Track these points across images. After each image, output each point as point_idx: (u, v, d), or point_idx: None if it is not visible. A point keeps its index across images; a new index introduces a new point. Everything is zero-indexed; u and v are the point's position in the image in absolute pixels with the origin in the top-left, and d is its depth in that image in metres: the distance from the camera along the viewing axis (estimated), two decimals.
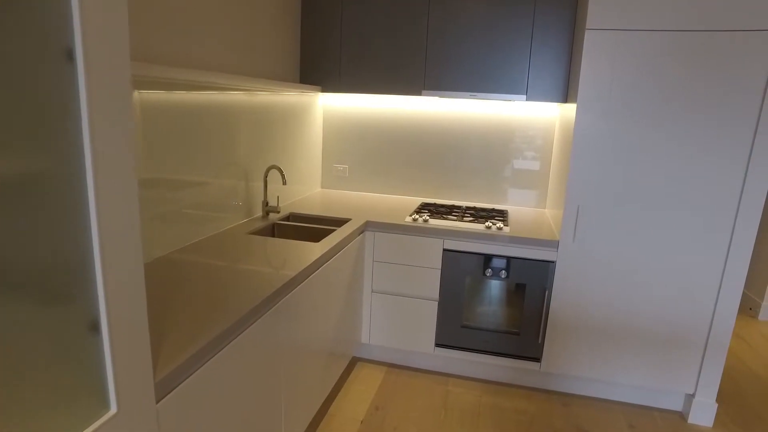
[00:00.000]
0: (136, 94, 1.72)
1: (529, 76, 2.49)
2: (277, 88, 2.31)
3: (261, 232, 2.29)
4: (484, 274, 2.37)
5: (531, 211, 2.83)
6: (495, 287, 2.39)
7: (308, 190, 3.10)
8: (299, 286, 1.73)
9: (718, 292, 2.11)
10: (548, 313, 2.32)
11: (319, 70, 2.78)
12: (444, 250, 2.39)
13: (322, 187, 3.29)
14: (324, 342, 2.03)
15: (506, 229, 2.36)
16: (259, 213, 2.48)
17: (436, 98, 2.80)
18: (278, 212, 2.40)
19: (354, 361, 2.70)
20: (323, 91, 2.78)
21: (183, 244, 1.94)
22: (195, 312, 1.34)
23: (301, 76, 2.83)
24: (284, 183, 2.29)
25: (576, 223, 2.19)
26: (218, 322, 1.29)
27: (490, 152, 2.90)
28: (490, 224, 2.38)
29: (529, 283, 2.33)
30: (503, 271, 2.34)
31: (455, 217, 2.55)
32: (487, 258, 2.35)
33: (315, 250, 1.94)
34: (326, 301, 2.01)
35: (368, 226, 2.46)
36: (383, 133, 3.06)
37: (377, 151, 3.10)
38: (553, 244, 2.25)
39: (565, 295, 2.28)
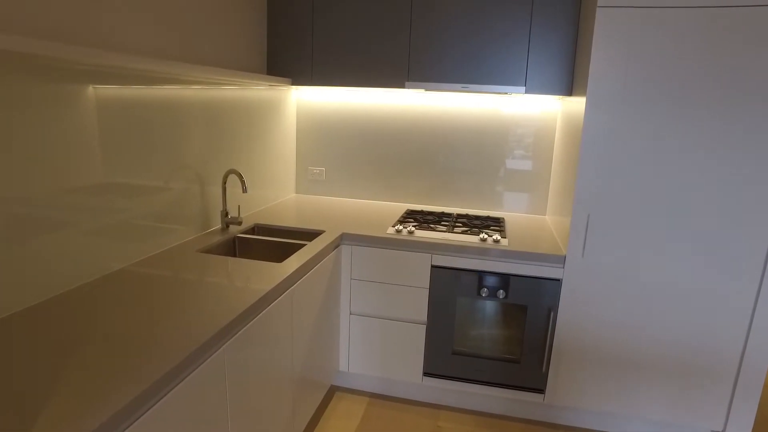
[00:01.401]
0: (90, 89, 1.42)
1: (529, 65, 2.17)
2: (234, 78, 1.96)
3: (217, 249, 1.94)
4: (479, 294, 2.05)
5: (530, 219, 2.51)
6: (491, 309, 2.07)
7: (280, 195, 2.76)
8: (256, 318, 1.39)
9: (752, 317, 1.81)
10: (553, 339, 2.01)
11: (289, 60, 2.44)
12: (432, 266, 2.07)
13: (297, 192, 2.95)
14: (292, 373, 1.69)
15: (504, 241, 2.04)
16: (218, 225, 2.14)
17: (422, 91, 2.47)
18: (239, 224, 2.06)
19: (332, 391, 2.37)
20: (294, 84, 2.44)
21: (123, 264, 1.59)
22: (106, 363, 1.00)
23: (268, 67, 2.49)
24: (244, 190, 1.95)
25: (586, 235, 1.88)
26: (133, 380, 0.95)
27: (483, 152, 2.58)
28: (485, 236, 2.06)
29: (531, 305, 2.01)
30: (501, 291, 2.02)
31: (445, 228, 2.22)
32: (482, 276, 2.03)
33: (278, 271, 1.60)
34: (293, 328, 1.67)
35: (344, 239, 2.13)
36: (364, 132, 2.73)
37: (357, 151, 2.77)
38: (559, 260, 1.93)
39: (572, 317, 1.96)
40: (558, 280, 1.97)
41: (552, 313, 1.98)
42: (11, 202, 1.23)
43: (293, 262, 1.70)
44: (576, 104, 1.98)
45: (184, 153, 1.88)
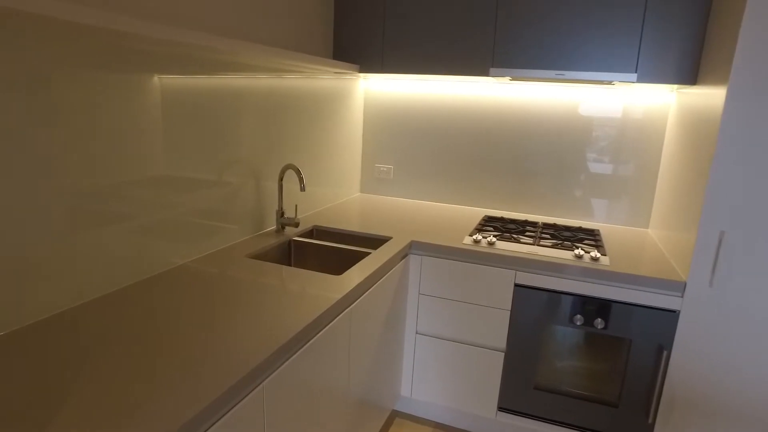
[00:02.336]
0: (156, 79, 1.35)
1: (642, 48, 1.80)
2: (299, 63, 1.75)
3: (270, 254, 1.73)
4: (572, 322, 1.72)
5: (629, 233, 2.13)
6: (585, 340, 1.73)
7: (343, 195, 2.53)
8: (307, 344, 1.16)
9: None
10: (664, 383, 1.64)
11: (358, 46, 2.20)
12: (516, 285, 1.75)
13: (362, 191, 2.72)
14: (348, 396, 1.45)
15: (604, 259, 1.70)
16: (272, 225, 1.94)
17: (507, 80, 2.15)
18: (296, 225, 1.84)
19: (393, 417, 2.12)
20: (361, 71, 2.20)
21: (166, 267, 1.42)
22: (123, 394, 0.80)
23: (334, 53, 2.26)
24: (302, 188, 1.72)
25: (716, 258, 1.50)
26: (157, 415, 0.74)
27: (571, 152, 2.23)
28: (581, 251, 1.72)
29: (637, 339, 1.65)
30: (599, 320, 1.68)
31: (530, 239, 1.90)
32: (577, 300, 1.69)
33: (336, 286, 1.36)
34: (350, 350, 1.43)
35: (413, 247, 1.86)
36: (436, 128, 2.45)
37: (429, 149, 2.49)
38: (677, 287, 1.57)
39: (691, 359, 1.59)
40: (674, 312, 1.59)
41: (664, 352, 1.61)
42: (79, 194, 1.17)
43: (355, 276, 1.45)
44: (705, 96, 1.60)
45: (241, 146, 1.69)
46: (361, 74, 2.30)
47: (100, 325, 1.10)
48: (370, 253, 1.71)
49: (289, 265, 1.87)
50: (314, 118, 2.15)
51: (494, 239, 1.82)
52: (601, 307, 1.67)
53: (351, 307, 1.39)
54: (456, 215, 2.28)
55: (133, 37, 1.12)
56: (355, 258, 1.76)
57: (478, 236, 1.84)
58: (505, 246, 1.80)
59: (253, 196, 1.80)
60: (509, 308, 1.78)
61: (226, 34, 1.59)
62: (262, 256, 1.69)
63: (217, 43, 1.28)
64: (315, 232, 2.02)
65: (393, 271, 1.71)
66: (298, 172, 1.73)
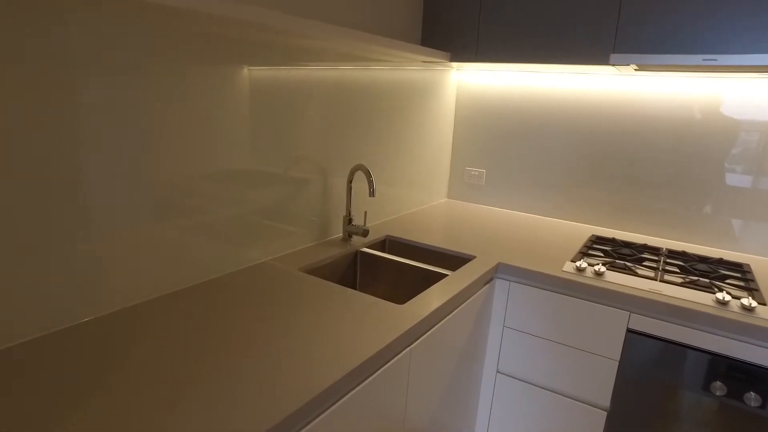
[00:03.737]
0: (245, 71, 1.27)
1: None
2: (387, 49, 1.52)
3: (331, 267, 1.52)
4: (707, 390, 1.30)
5: None
6: (728, 417, 1.30)
7: (427, 200, 2.26)
8: (348, 395, 0.92)
9: None
10: None
11: (449, 31, 1.91)
12: (629, 330, 1.38)
13: (449, 197, 2.43)
14: None
15: (763, 310, 1.26)
16: (339, 233, 1.72)
17: (632, 70, 1.74)
18: (364, 235, 1.60)
19: None
20: (452, 60, 1.91)
21: (205, 276, 1.25)
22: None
23: (423, 39, 2.00)
24: (371, 193, 1.48)
25: None
26: None
27: (709, 161, 1.76)
28: (726, 295, 1.30)
29: None
30: (753, 395, 1.25)
31: (651, 271, 1.50)
32: (718, 361, 1.28)
33: (396, 321, 1.10)
34: (408, 395, 1.16)
35: (500, 270, 1.54)
36: (537, 127, 2.09)
37: (527, 151, 2.14)
38: None
39: None
40: None
41: None
42: (159, 186, 1.13)
43: (423, 305, 1.18)
44: None
45: (311, 142, 1.48)
46: (453, 64, 2.01)
47: (91, 350, 0.94)
48: (447, 275, 1.43)
49: (354, 279, 1.64)
50: (398, 114, 1.90)
51: (603, 268, 1.45)
52: (756, 377, 1.24)
53: (411, 346, 1.12)
54: (556, 232, 1.91)
55: (221, 20, 0.99)
56: (430, 279, 1.49)
57: (583, 263, 1.48)
58: (617, 278, 1.42)
59: (319, 198, 1.60)
60: (618, 358, 1.40)
61: (304, 16, 1.39)
62: (320, 269, 1.47)
63: (305, 27, 1.10)
64: (387, 243, 1.77)
65: (474, 298, 1.42)
66: (368, 174, 1.50)
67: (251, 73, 1.28)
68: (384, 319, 1.11)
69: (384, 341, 1.01)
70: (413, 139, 2.05)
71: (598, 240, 1.82)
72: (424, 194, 2.23)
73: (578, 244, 1.78)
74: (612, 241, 1.81)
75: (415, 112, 2.03)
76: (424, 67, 2.00)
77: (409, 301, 1.21)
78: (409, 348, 1.11)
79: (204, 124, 1.19)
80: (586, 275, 1.45)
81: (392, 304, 1.19)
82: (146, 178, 1.09)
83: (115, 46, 0.98)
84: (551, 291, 1.47)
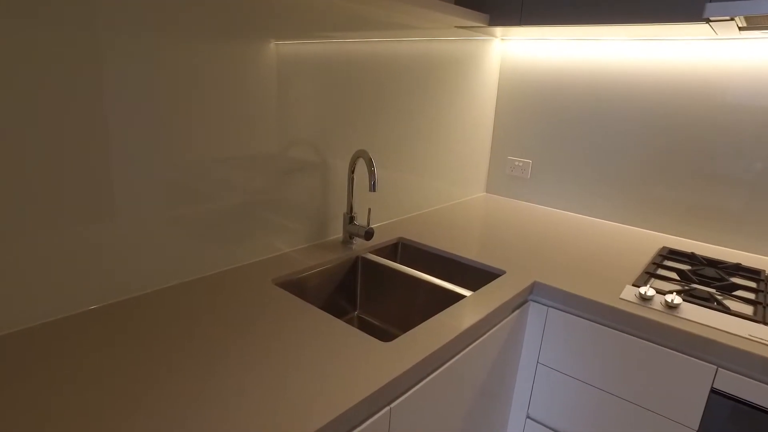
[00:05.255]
0: (272, 45, 1.10)
1: None
2: (407, 6, 1.19)
3: (318, 279, 1.22)
4: None
5: None
6: None
7: (462, 193, 1.92)
8: None
9: None
10: None
11: None
12: (713, 391, 0.99)
13: (488, 191, 2.07)
14: None
15: None
16: (339, 233, 1.42)
17: (735, 29, 1.32)
18: (367, 238, 1.29)
19: None
20: (492, 24, 1.54)
21: (162, 283, 1.00)
22: None
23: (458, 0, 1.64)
24: (372, 187, 1.17)
25: None
26: None
27: None
28: None
29: None
30: None
31: (747, 304, 1.10)
32: None
33: (377, 370, 0.79)
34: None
35: (536, 291, 1.19)
36: (599, 110, 1.69)
37: (582, 139, 1.75)
38: None
39: None
40: None
41: None
42: (169, 167, 0.99)
43: (417, 344, 0.86)
44: None
45: (313, 123, 1.19)
46: (495, 30, 1.64)
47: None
48: (465, 297, 1.10)
49: (354, 292, 1.34)
50: (427, 93, 1.57)
51: (678, 299, 1.06)
52: None
53: (392, 405, 0.81)
54: (616, 242, 1.52)
55: None
56: (444, 299, 1.16)
57: (649, 288, 1.10)
58: (698, 314, 1.04)
59: (318, 191, 1.31)
60: (696, 427, 1.02)
61: None
62: (303, 281, 1.18)
63: None
64: (400, 247, 1.45)
65: (500, 326, 1.08)
66: (370, 163, 1.18)
67: (282, 49, 1.00)
68: (357, 365, 0.80)
69: (346, 403, 0.70)
70: (445, 123, 1.71)
71: (671, 254, 1.42)
72: (456, 187, 1.88)
73: (644, 259, 1.38)
74: (691, 257, 1.40)
75: (449, 91, 1.68)
76: (459, 37, 1.65)
77: (400, 338, 0.89)
78: (388, 407, 0.80)
79: (232, 106, 0.93)
80: (654, 307, 1.07)
81: (375, 341, 0.88)
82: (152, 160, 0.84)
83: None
84: (603, 325, 1.11)
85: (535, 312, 1.21)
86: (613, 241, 1.53)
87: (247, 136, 1.11)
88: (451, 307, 1.03)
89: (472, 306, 1.04)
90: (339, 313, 1.32)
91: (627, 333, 1.08)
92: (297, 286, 1.17)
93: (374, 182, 1.17)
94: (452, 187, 1.86)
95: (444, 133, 1.73)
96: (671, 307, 1.06)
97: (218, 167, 1.07)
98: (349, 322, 1.33)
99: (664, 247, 1.47)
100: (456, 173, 1.86)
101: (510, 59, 1.88)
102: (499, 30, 1.62)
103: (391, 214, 1.59)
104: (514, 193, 1.99)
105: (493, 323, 1.07)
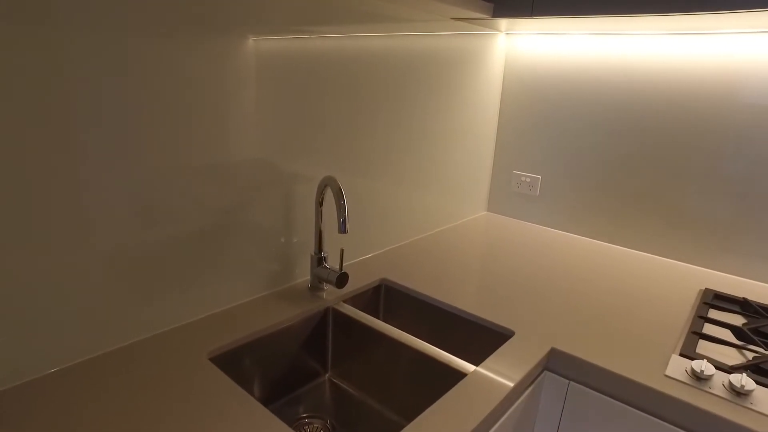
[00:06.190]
0: (251, 42, 0.89)
1: None
2: None
3: (277, 342, 0.95)
4: None
5: None
6: None
7: (460, 213, 1.66)
8: None
9: None
10: None
11: None
12: None
13: (489, 209, 1.81)
14: None
15: None
16: (306, 276, 1.15)
17: None
18: (339, 285, 1.02)
19: None
20: (496, 15, 1.27)
21: (101, 348, 0.73)
22: None
23: None
24: (341, 229, 0.90)
25: None
26: None
27: None
28: None
29: None
30: None
31: None
32: None
33: None
34: None
35: (554, 361, 0.93)
36: (623, 117, 1.42)
37: (603, 153, 1.48)
38: None
39: None
40: None
41: None
42: (132, 179, 0.78)
43: None
44: None
45: (275, 137, 0.92)
46: (500, 23, 1.37)
47: None
48: (465, 376, 0.83)
49: (325, 353, 1.07)
50: (419, 98, 1.30)
51: (751, 382, 0.79)
52: None
53: None
54: (647, 280, 1.25)
55: None
56: (437, 370, 0.89)
57: (705, 365, 0.83)
58: None
59: (281, 222, 1.04)
60: None
61: None
62: (245, 349, 0.91)
63: None
64: (383, 292, 1.18)
65: (509, 413, 0.82)
66: (339, 195, 0.91)
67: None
68: None
69: None
70: (440, 132, 1.44)
71: (717, 300, 1.16)
72: (453, 207, 1.61)
73: (685, 307, 1.11)
74: (743, 305, 1.13)
75: (445, 95, 1.41)
76: (456, 32, 1.38)
77: None
78: None
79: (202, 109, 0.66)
80: (715, 392, 0.80)
81: None
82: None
83: None
84: (643, 411, 0.84)
85: (552, 385, 0.94)
86: (643, 279, 1.26)
87: (200, 149, 0.84)
88: (448, 395, 0.76)
89: (475, 391, 0.77)
90: (307, 376, 1.06)
91: (677, 426, 0.81)
92: (243, 357, 0.90)
93: (344, 220, 0.90)
94: (448, 207, 1.59)
95: (438, 144, 1.46)
96: (740, 394, 0.79)
97: (163, 184, 0.80)
98: (319, 386, 1.07)
99: (707, 290, 1.20)
100: (453, 191, 1.59)
101: (516, 57, 1.61)
102: (504, 23, 1.35)
103: (374, 245, 1.32)
104: (520, 212, 1.72)
105: (501, 412, 0.80)
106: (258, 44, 0.91)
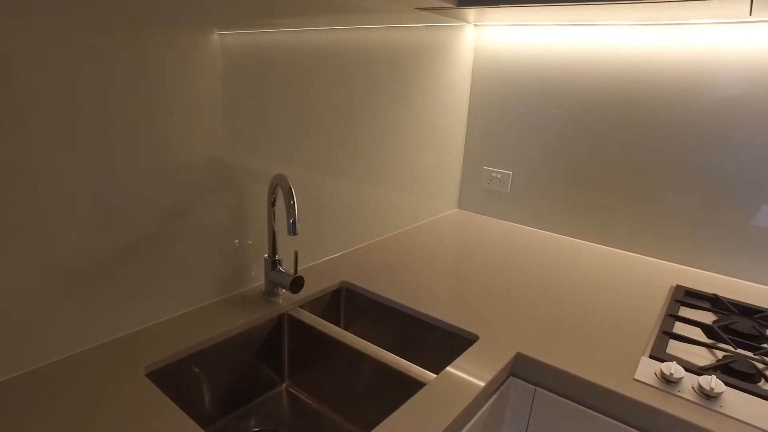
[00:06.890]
0: (216, 36, 0.84)
1: None
2: None
3: (224, 353, 0.89)
4: None
5: None
6: None
7: (430, 211, 1.60)
8: None
9: None
10: None
11: None
12: None
13: (460, 206, 1.76)
14: None
15: None
16: (260, 280, 1.09)
17: None
18: (294, 290, 0.96)
19: None
20: (461, 4, 1.22)
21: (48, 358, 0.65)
22: None
23: None
24: (291, 230, 0.84)
25: None
26: None
27: None
28: None
29: None
30: None
31: None
32: None
33: None
34: None
35: (519, 366, 0.88)
36: (595, 111, 1.38)
37: (576, 147, 1.44)
38: None
39: None
40: None
41: None
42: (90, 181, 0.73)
43: None
44: None
45: (225, 133, 0.85)
46: (468, 10, 1.32)
47: None
48: (422, 385, 0.78)
49: (281, 362, 1.01)
50: (383, 92, 1.24)
51: (720, 384, 0.76)
52: None
53: None
54: (616, 277, 1.22)
55: None
56: (397, 380, 0.84)
57: (675, 367, 0.79)
58: (751, 409, 0.73)
59: (232, 223, 0.97)
60: None
61: None
62: (198, 359, 0.84)
63: None
64: (343, 296, 1.13)
65: (471, 423, 0.77)
66: (289, 194, 0.85)
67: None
68: None
69: None
70: (407, 127, 1.39)
71: (689, 297, 1.12)
72: (421, 205, 1.56)
73: (655, 305, 1.08)
74: (714, 302, 1.11)
75: (411, 90, 1.36)
76: (422, 23, 1.32)
77: None
78: None
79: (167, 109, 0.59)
80: (685, 395, 0.76)
81: None
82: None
83: None
84: (612, 419, 0.80)
85: (518, 393, 0.90)
86: (614, 277, 1.22)
87: (150, 150, 0.76)
88: (405, 406, 0.71)
89: (435, 401, 0.72)
90: (261, 387, 0.99)
91: None
92: (185, 370, 0.83)
93: (294, 221, 0.83)
94: (416, 204, 1.54)
95: (406, 139, 1.41)
96: (710, 397, 0.75)
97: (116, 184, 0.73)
98: (275, 397, 1.00)
99: (678, 287, 1.17)
100: (421, 188, 1.54)
101: (485, 50, 1.56)
102: (472, 13, 1.30)
103: (335, 246, 1.26)
104: (491, 209, 1.68)
105: (464, 422, 0.75)
106: (220, 38, 0.84)
